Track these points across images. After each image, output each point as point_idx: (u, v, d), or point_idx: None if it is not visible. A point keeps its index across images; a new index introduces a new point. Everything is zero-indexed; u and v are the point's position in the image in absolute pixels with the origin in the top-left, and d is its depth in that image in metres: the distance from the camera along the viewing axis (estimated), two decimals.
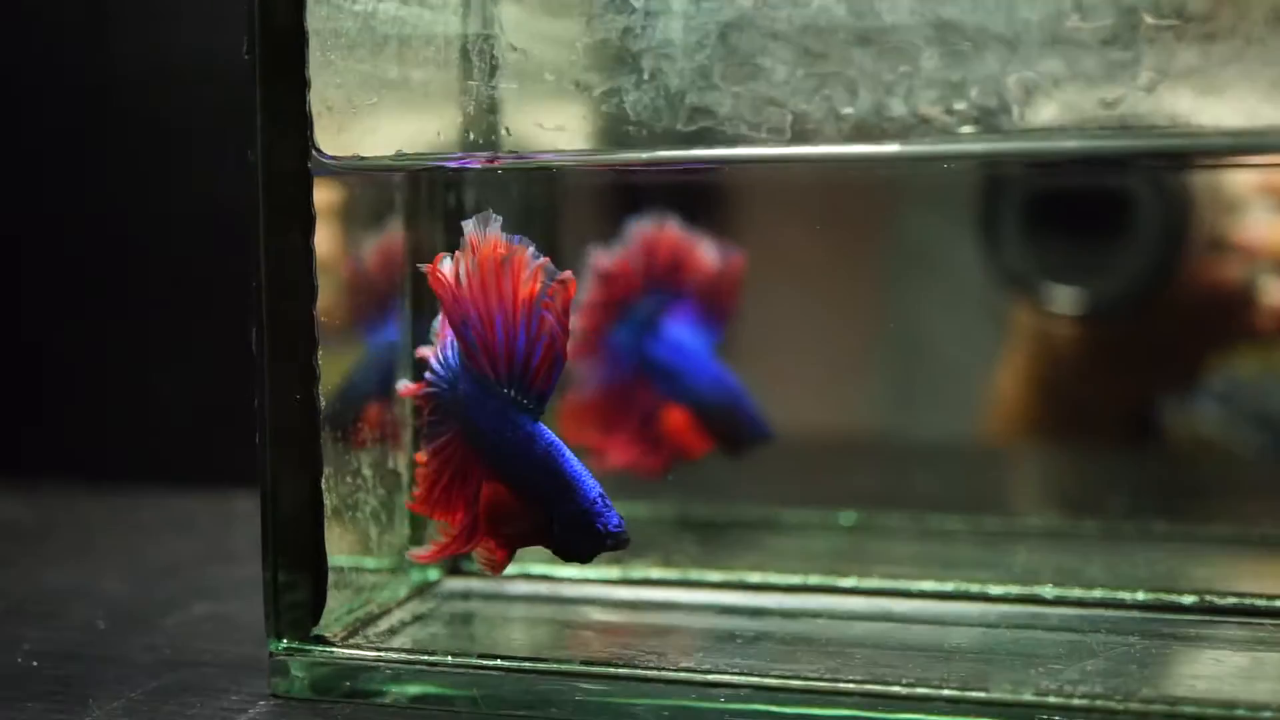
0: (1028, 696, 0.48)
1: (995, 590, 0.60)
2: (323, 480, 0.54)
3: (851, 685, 0.50)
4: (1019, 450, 0.82)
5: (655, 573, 0.63)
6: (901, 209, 0.83)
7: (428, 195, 0.62)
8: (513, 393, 0.49)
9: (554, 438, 0.50)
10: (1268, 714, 0.46)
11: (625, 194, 0.79)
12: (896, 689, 0.49)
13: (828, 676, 0.50)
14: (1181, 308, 0.76)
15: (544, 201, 0.72)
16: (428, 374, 0.52)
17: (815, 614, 0.59)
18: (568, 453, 0.50)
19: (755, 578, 0.62)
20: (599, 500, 0.49)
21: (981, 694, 0.49)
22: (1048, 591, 0.60)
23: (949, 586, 0.60)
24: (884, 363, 0.86)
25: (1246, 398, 0.77)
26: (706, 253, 0.68)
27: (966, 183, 0.78)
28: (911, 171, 0.68)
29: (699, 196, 0.79)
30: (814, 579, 0.62)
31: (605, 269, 0.68)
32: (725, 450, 0.67)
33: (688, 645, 0.55)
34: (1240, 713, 0.47)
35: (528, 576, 0.64)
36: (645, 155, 0.52)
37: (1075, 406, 0.80)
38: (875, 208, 0.83)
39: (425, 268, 0.50)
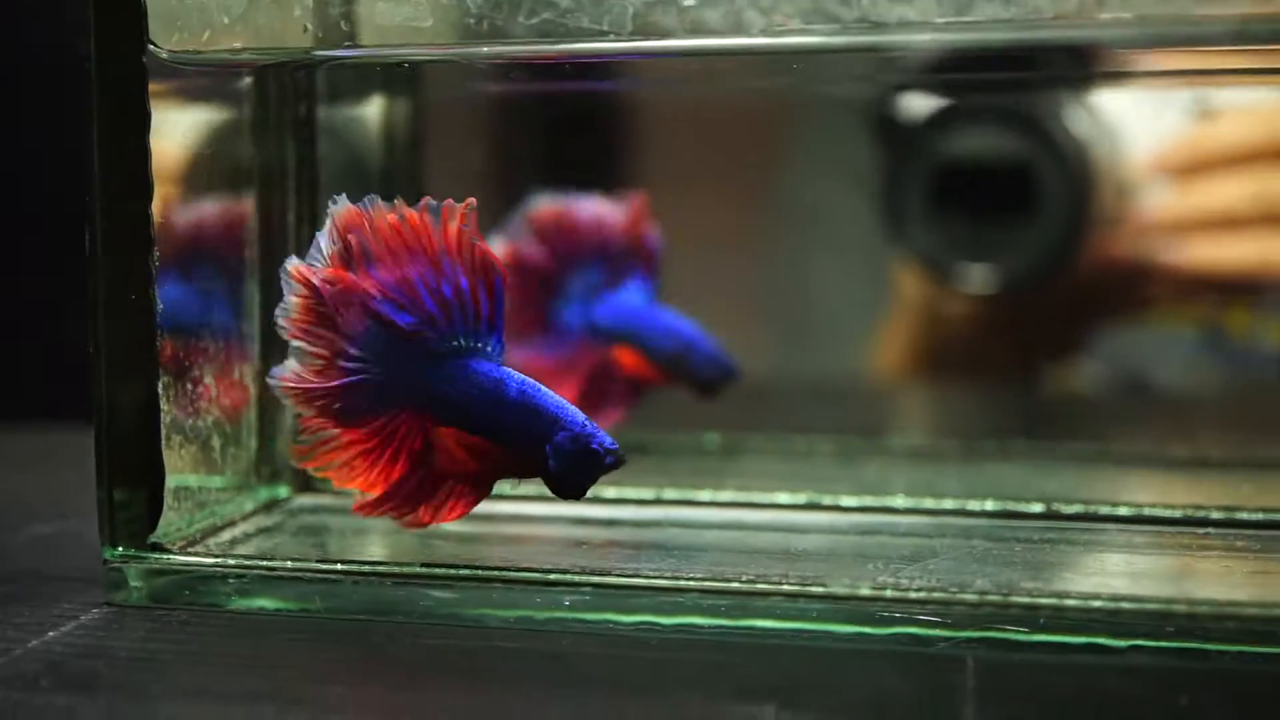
0: (865, 591, 0.49)
1: (848, 501, 0.60)
2: (160, 386, 0.53)
3: (692, 583, 0.50)
4: (894, 390, 0.83)
5: (509, 489, 0.63)
6: (786, 153, 0.83)
7: (277, 105, 0.61)
8: (469, 342, 0.49)
9: (522, 377, 0.50)
10: (1098, 603, 0.47)
11: (491, 111, 0.78)
12: (735, 585, 0.49)
13: (669, 574, 0.50)
14: (1077, 283, 0.77)
15: (407, 117, 0.71)
16: (347, 365, 0.50)
17: (666, 524, 0.59)
18: (541, 387, 0.50)
19: (611, 492, 0.62)
20: (587, 424, 0.49)
21: (820, 589, 0.49)
22: (899, 502, 0.60)
23: (801, 498, 0.61)
24: (767, 307, 0.87)
25: (1127, 359, 0.78)
26: (607, 210, 0.66)
27: (850, 128, 0.79)
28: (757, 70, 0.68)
29: (572, 117, 0.79)
30: (669, 493, 0.62)
31: (514, 257, 0.65)
32: (696, 394, 0.67)
33: (536, 552, 0.55)
34: (1071, 603, 0.47)
35: None
36: (507, 49, 0.52)
37: (961, 375, 0.82)
38: (760, 151, 0.84)
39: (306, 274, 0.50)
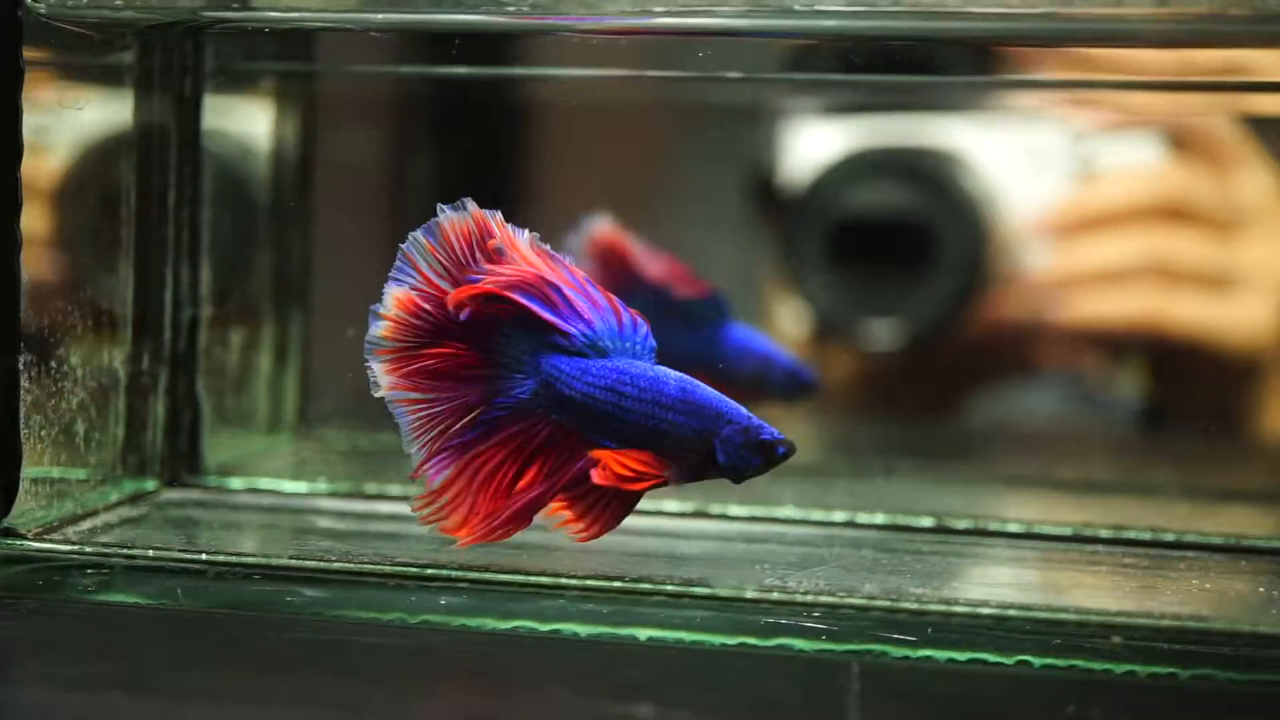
0: (750, 593, 0.47)
1: (736, 511, 0.59)
2: (21, 362, 0.50)
3: (573, 580, 0.48)
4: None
5: (393, 489, 0.61)
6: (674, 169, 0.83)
7: (161, 81, 0.59)
8: (623, 344, 0.47)
9: (678, 373, 0.48)
10: (986, 610, 0.46)
11: (386, 107, 0.76)
12: (619, 584, 0.48)
13: (549, 572, 0.48)
14: (967, 341, 0.78)
15: (300, 108, 0.69)
16: (506, 384, 0.48)
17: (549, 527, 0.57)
18: (698, 382, 0.48)
19: None
20: (752, 416, 0.47)
21: (705, 590, 0.47)
22: (788, 512, 0.59)
23: (689, 506, 0.59)
24: None
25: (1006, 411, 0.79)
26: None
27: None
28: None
29: (467, 131, 0.78)
30: None
31: None
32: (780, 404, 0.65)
33: (413, 549, 0.52)
34: (959, 609, 0.46)
35: (254, 490, 0.61)
36: (405, 16, 0.50)
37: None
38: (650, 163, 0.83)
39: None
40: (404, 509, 0.58)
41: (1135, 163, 0.78)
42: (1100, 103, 0.77)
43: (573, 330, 0.47)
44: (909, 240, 0.76)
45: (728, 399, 0.48)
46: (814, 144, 0.78)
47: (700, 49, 0.59)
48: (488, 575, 0.48)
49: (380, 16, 0.50)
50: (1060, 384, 0.80)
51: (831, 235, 0.76)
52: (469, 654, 0.46)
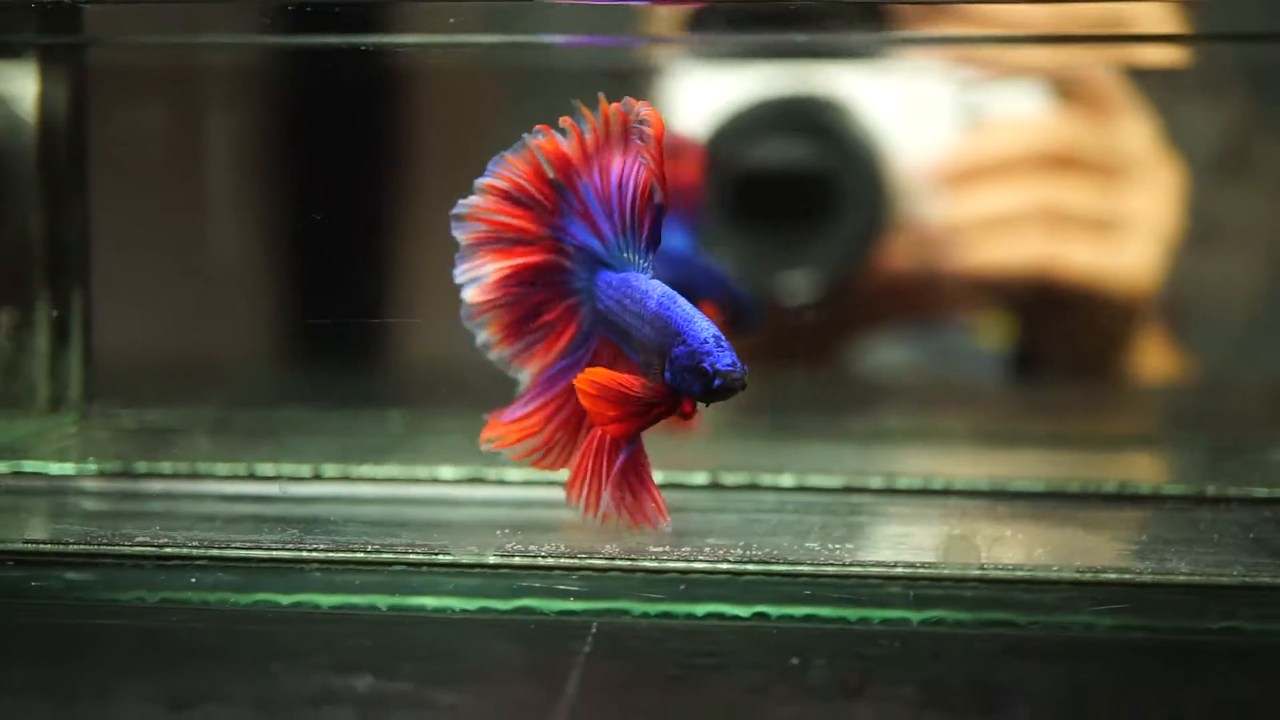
0: (491, 558, 0.47)
1: (516, 476, 0.59)
2: None
3: (315, 554, 0.47)
4: None
5: (165, 467, 0.60)
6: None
7: None
8: (625, 253, 0.48)
9: (665, 288, 0.47)
10: (724, 565, 0.46)
11: (169, 77, 0.75)
12: (360, 555, 0.47)
13: (290, 545, 0.48)
14: (863, 293, 0.77)
15: (71, 79, 0.66)
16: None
17: (323, 500, 0.57)
18: (679, 300, 0.47)
19: (267, 469, 0.59)
20: (710, 340, 0.45)
21: (447, 557, 0.47)
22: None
23: (464, 473, 0.59)
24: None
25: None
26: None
27: None
28: None
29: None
30: (329, 469, 0.59)
31: None
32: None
33: (166, 528, 0.51)
34: (697, 564, 0.47)
35: (19, 474, 0.59)
36: None
37: None
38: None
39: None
40: (172, 486, 0.58)
41: (1022, 111, 0.78)
42: (987, 55, 0.77)
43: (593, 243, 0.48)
44: (810, 193, 0.75)
45: (701, 321, 0.46)
46: (705, 98, 0.77)
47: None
48: (229, 553, 0.48)
49: None
50: (938, 335, 0.81)
51: (731, 190, 0.76)
52: (203, 632, 0.45)
